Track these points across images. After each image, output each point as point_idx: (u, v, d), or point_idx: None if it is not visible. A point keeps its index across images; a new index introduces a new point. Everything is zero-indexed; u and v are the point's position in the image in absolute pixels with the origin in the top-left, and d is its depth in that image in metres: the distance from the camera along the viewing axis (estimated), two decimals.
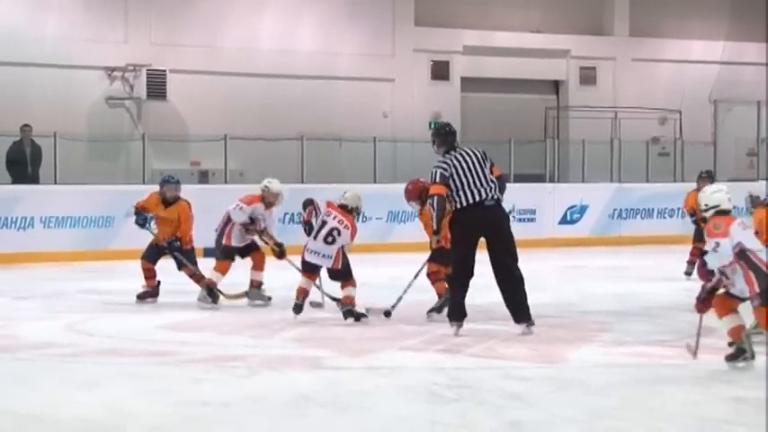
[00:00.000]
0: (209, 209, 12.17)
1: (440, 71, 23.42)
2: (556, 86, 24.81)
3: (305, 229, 10.62)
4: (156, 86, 20.50)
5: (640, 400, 7.01)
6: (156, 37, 20.79)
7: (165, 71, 20.48)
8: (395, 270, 10.93)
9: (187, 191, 12.44)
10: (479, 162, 9.58)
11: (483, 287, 9.91)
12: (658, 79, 25.04)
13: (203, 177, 20.49)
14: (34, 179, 18.13)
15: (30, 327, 10.29)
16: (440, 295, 10.71)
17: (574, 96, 24.55)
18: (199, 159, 20.69)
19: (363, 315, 10.44)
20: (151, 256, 11.86)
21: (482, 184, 9.50)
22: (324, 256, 10.40)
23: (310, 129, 20.77)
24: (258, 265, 11.77)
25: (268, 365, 8.24)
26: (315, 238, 10.46)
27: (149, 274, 11.84)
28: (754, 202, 10.89)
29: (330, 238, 10.39)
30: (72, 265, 12.71)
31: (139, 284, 12.01)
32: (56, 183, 17.87)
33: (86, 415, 6.54)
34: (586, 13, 24.85)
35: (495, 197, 9.53)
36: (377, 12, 22.71)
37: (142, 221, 12.01)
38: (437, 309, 10.56)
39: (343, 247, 10.45)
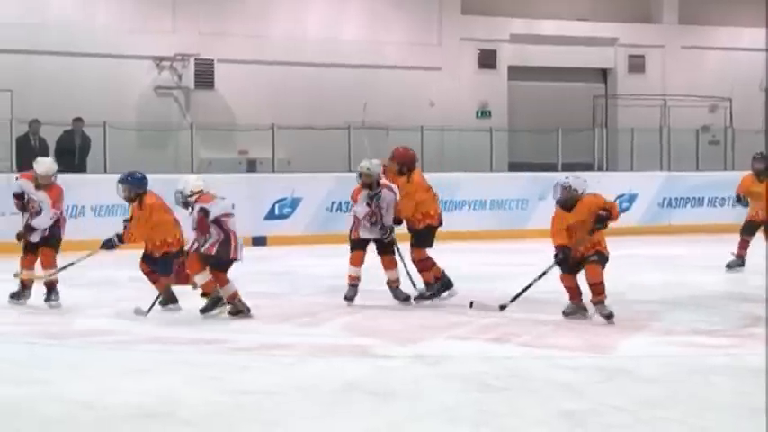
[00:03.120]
0: (256, 197, 12.29)
1: (487, 60, 23.33)
2: (604, 75, 24.65)
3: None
4: (204, 76, 20.57)
5: (690, 390, 6.96)
6: (204, 27, 20.86)
7: (212, 61, 20.54)
8: (447, 259, 10.88)
9: (235, 180, 12.42)
10: None
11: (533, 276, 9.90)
12: (708, 67, 24.83)
13: (251, 166, 20.54)
14: (82, 169, 18.31)
15: (81, 314, 10.38)
16: (428, 283, 10.81)
17: (622, 84, 24.39)
18: (246, 149, 20.75)
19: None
20: None
21: None
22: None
23: (356, 118, 20.78)
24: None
25: (316, 354, 8.26)
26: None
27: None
28: None
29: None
30: (122, 254, 12.84)
31: None
32: (105, 172, 17.98)
33: (136, 402, 6.58)
34: (634, 1, 24.68)
35: None
36: (423, 1, 22.67)
37: None
38: (427, 296, 10.76)
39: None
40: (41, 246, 10.75)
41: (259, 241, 12.05)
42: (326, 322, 9.88)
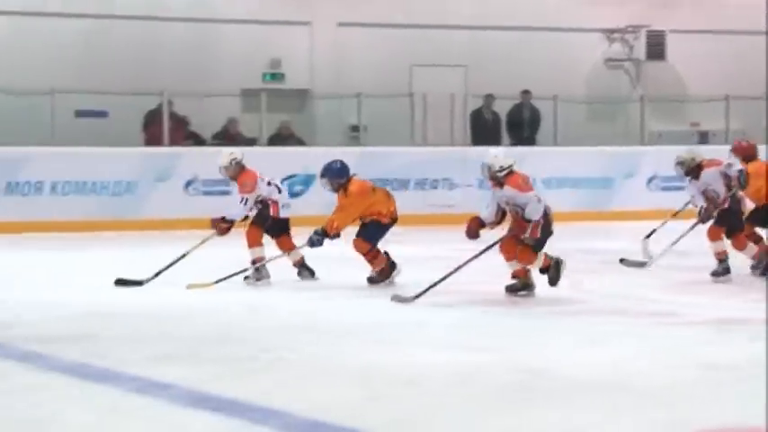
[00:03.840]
0: None
1: None
2: None
3: None
4: (655, 47, 20.25)
5: None
6: None
7: (664, 32, 20.16)
8: None
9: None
10: None
11: None
12: None
13: (702, 138, 20.01)
14: (531, 141, 18.50)
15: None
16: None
17: None
18: (698, 120, 20.20)
19: None
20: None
21: None
22: None
23: None
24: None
25: None
26: None
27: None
28: None
29: None
30: (571, 225, 12.97)
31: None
32: (555, 144, 18.10)
33: (587, 372, 6.47)
34: None
35: None
36: None
37: None
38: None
39: None
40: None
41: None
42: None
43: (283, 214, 10.74)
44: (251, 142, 17.38)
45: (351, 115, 18.56)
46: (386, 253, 10.43)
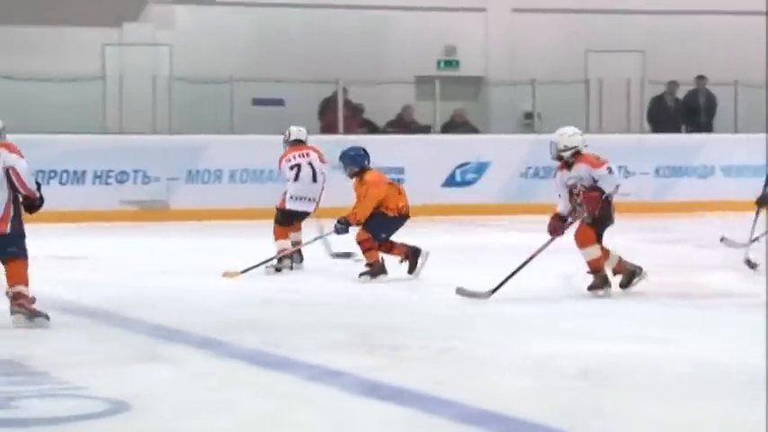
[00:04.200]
0: None
1: None
2: None
3: None
4: None
5: None
6: None
7: None
8: None
9: None
10: None
11: None
12: None
13: None
14: (708, 128, 18.14)
15: (708, 275, 10.23)
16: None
17: None
18: None
19: None
20: None
21: None
22: None
23: None
24: None
25: None
26: None
27: None
28: None
29: None
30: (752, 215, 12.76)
31: None
32: (736, 131, 17.69)
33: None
34: None
35: None
36: None
37: None
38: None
39: None
40: None
41: None
42: None
43: (291, 206, 10.81)
44: (425, 130, 17.43)
45: (525, 102, 18.47)
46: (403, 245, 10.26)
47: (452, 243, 12.80)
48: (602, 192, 8.91)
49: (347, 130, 16.97)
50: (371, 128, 17.75)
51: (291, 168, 10.84)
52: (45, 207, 7.69)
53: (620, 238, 12.43)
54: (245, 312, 8.43)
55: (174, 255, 12.00)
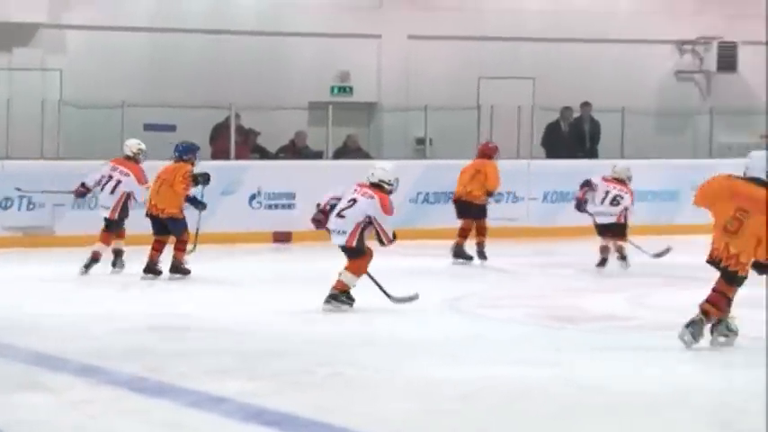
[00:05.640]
0: None
1: None
2: None
3: None
4: (727, 59, 20.01)
5: None
6: (728, 8, 20.15)
7: (735, 43, 19.94)
8: None
9: None
10: None
11: None
12: None
13: None
14: (592, 154, 18.39)
15: (592, 299, 10.36)
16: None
17: None
18: (765, 132, 19.95)
19: None
20: None
21: None
22: None
23: None
24: None
25: None
26: None
27: None
28: None
29: None
30: (636, 239, 12.92)
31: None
32: (622, 157, 17.94)
33: (643, 388, 6.41)
34: None
35: None
36: None
37: None
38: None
39: None
40: None
41: None
42: None
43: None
44: (317, 155, 17.42)
45: (417, 128, 18.54)
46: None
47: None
48: None
49: (239, 156, 16.89)
50: (263, 153, 17.70)
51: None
52: None
53: (506, 262, 12.65)
54: (129, 339, 8.31)
55: (57, 281, 11.81)
